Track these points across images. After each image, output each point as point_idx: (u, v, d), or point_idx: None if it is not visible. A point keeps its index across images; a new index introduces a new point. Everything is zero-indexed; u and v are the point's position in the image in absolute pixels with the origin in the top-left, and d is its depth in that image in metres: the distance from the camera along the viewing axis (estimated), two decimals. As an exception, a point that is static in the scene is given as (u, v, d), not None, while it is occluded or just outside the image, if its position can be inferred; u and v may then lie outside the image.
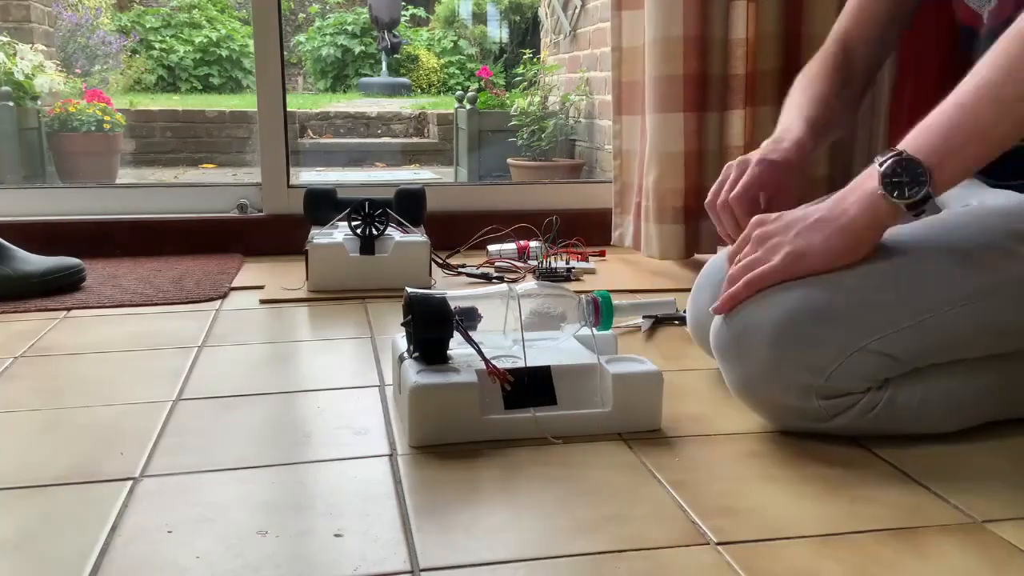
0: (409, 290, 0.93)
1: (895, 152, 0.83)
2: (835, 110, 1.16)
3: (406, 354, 0.95)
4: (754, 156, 1.08)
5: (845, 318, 0.85)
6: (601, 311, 0.97)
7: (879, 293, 0.86)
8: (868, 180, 0.85)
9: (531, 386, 0.91)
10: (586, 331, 0.99)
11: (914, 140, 0.84)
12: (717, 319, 0.91)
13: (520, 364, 0.92)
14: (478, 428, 0.90)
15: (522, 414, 0.91)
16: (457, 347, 0.94)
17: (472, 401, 0.89)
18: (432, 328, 0.92)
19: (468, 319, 0.94)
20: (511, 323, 0.97)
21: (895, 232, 0.89)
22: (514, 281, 1.62)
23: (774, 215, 0.91)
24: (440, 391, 0.89)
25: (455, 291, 0.96)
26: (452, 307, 0.92)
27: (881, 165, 0.83)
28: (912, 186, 0.81)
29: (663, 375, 0.94)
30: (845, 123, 1.21)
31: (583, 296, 0.99)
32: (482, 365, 0.91)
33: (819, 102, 1.15)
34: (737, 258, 0.92)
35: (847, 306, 0.85)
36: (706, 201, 1.13)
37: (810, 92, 1.17)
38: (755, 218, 0.93)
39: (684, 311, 1.32)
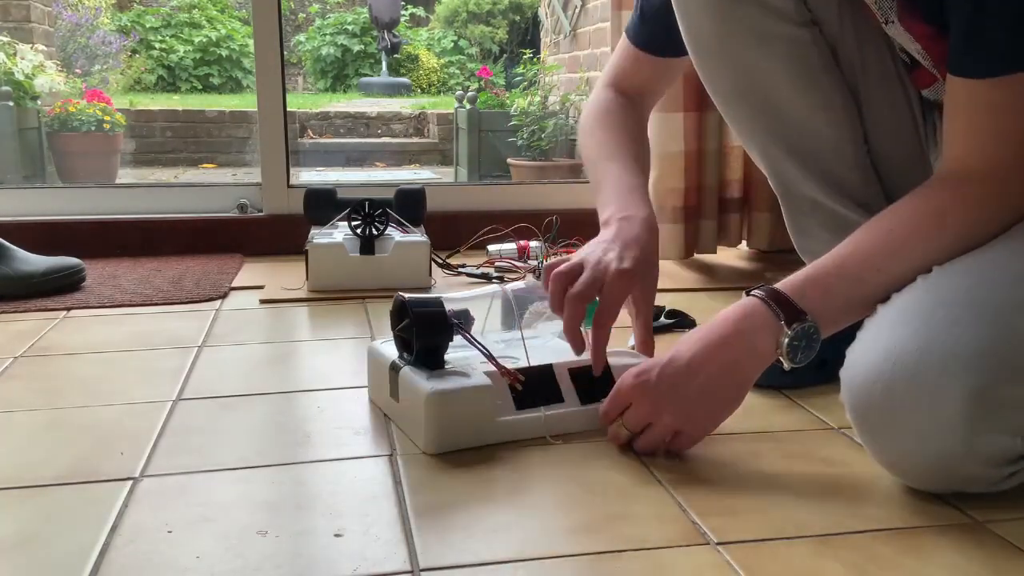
0: (404, 295, 0.92)
1: (801, 317, 0.81)
2: (647, 168, 1.17)
3: (400, 361, 0.94)
4: (611, 262, 0.94)
5: None
6: (587, 309, 0.97)
7: None
8: (762, 334, 0.82)
9: (539, 385, 0.91)
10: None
11: (813, 302, 0.82)
12: (858, 380, 0.78)
13: (520, 363, 0.93)
14: (492, 431, 0.89)
15: (532, 414, 0.91)
16: (449, 351, 0.93)
17: (488, 404, 0.89)
18: (433, 333, 0.91)
19: (462, 322, 0.94)
20: (492, 324, 0.97)
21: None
22: (512, 281, 1.62)
23: (653, 372, 0.85)
24: (458, 396, 0.88)
25: (443, 294, 0.96)
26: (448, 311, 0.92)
27: (789, 329, 0.80)
28: (807, 354, 0.82)
29: None
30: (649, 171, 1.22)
31: None
32: (480, 367, 0.90)
33: (637, 163, 1.13)
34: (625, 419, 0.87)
35: None
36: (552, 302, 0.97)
37: (626, 152, 1.14)
38: (631, 378, 0.86)
39: (667, 316, 1.32)
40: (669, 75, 1.23)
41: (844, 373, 0.79)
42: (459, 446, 0.88)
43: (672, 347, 0.86)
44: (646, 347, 0.97)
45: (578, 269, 0.94)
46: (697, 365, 0.84)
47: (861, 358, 0.78)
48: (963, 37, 0.82)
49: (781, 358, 0.82)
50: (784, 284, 0.84)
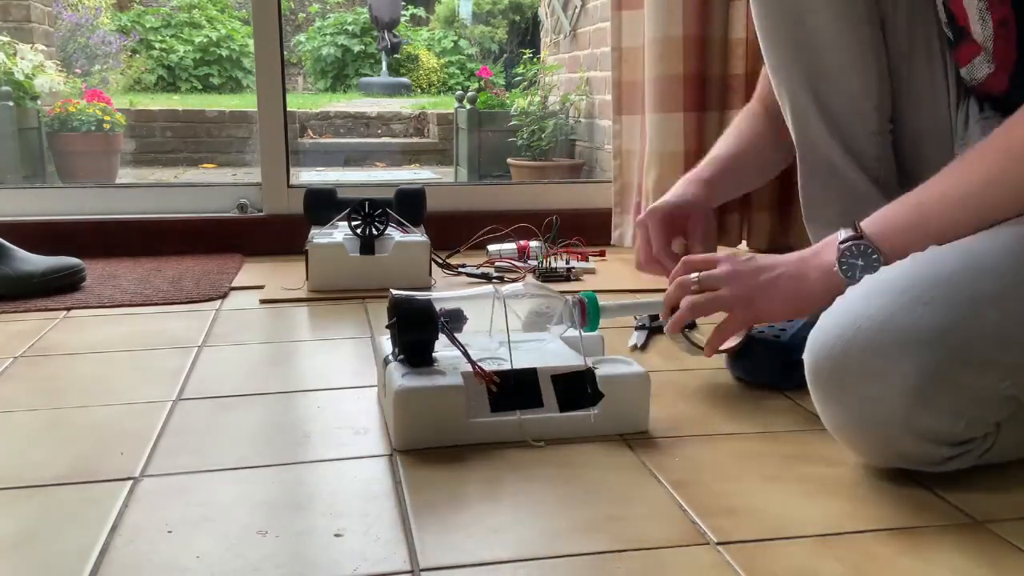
0: (393, 292, 0.93)
1: (856, 235, 0.88)
2: (739, 173, 1.28)
3: (391, 356, 0.94)
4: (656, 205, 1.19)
5: (989, 359, 0.76)
6: (588, 312, 0.97)
7: (1018, 330, 0.77)
8: (828, 251, 0.89)
9: (517, 388, 0.90)
10: (573, 332, 0.99)
11: (876, 225, 0.88)
12: (820, 341, 0.80)
13: (506, 366, 0.92)
14: (464, 431, 0.89)
15: (508, 417, 0.90)
16: (442, 349, 0.93)
17: (458, 404, 0.89)
18: (416, 330, 0.91)
19: (454, 321, 0.94)
20: (498, 324, 0.97)
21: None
22: (511, 281, 1.62)
23: (745, 256, 0.97)
24: (425, 394, 0.88)
25: (440, 293, 0.96)
26: (438, 309, 0.92)
27: (841, 243, 0.88)
28: (865, 270, 0.86)
29: (650, 377, 0.94)
30: (754, 182, 1.37)
31: (569, 297, 0.99)
32: (467, 367, 0.90)
33: (720, 163, 1.26)
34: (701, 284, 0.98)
35: (993, 343, 0.76)
36: (637, 265, 1.22)
37: (716, 155, 1.28)
38: (725, 256, 0.98)
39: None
40: None
41: (812, 333, 0.82)
42: (428, 444, 0.88)
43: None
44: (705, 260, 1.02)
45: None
46: (777, 262, 0.94)
47: (829, 321, 0.80)
48: None
49: (839, 275, 0.87)
50: (870, 224, 0.89)
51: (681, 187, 1.24)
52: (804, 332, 1.04)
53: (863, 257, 0.86)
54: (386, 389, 0.93)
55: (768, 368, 1.07)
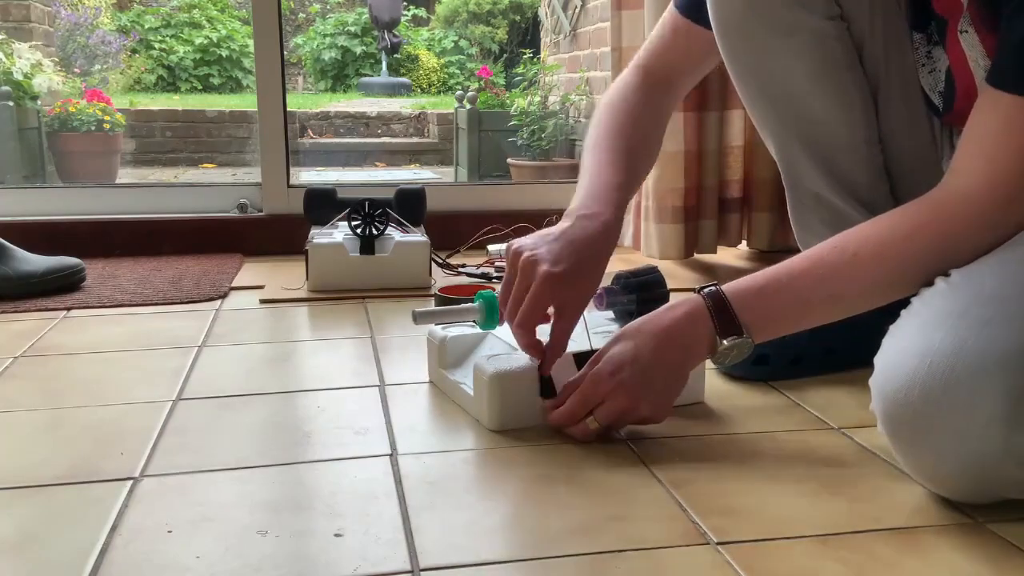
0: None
1: (737, 330, 0.86)
2: (645, 163, 1.11)
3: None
4: (542, 261, 0.92)
5: None
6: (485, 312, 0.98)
7: None
8: (702, 342, 0.87)
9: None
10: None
11: (755, 319, 0.86)
12: (890, 387, 0.76)
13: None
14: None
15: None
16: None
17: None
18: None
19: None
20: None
21: None
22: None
23: (613, 361, 0.88)
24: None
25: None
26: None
27: (721, 338, 0.86)
28: (735, 361, 0.88)
29: None
30: (651, 165, 1.16)
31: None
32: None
33: (630, 158, 1.05)
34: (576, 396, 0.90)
35: None
36: (500, 296, 0.96)
37: (621, 145, 1.06)
38: (595, 370, 0.89)
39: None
40: (706, 56, 1.13)
41: (876, 381, 0.78)
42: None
43: (619, 340, 0.89)
44: (553, 352, 0.93)
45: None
46: (658, 360, 0.88)
47: (894, 364, 0.76)
48: (1014, 47, 0.78)
49: (711, 361, 0.89)
50: (732, 290, 0.87)
51: (589, 233, 0.99)
52: None
53: (737, 348, 0.87)
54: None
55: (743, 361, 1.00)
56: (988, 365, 0.71)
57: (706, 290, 0.88)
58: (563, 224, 0.98)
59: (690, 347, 0.88)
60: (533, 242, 0.95)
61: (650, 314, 0.91)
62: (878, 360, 0.79)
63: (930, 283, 0.80)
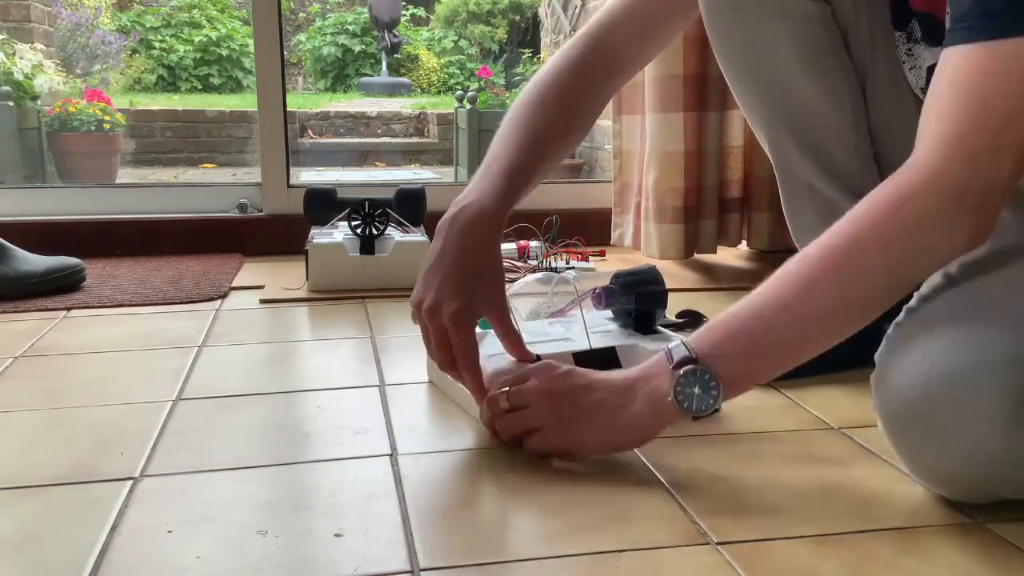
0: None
1: (690, 359, 0.77)
2: (559, 144, 1.04)
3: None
4: (439, 305, 0.89)
5: None
6: None
7: None
8: (660, 378, 0.79)
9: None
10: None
11: (707, 345, 0.78)
12: (891, 391, 0.76)
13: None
14: None
15: None
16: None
17: None
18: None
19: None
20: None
21: None
22: (511, 282, 1.62)
23: (564, 367, 0.84)
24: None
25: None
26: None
27: (674, 369, 0.77)
28: (701, 399, 0.77)
29: None
30: (570, 149, 1.11)
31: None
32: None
33: (537, 142, 0.99)
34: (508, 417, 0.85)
35: None
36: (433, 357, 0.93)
37: (531, 126, 1.00)
38: (540, 366, 0.85)
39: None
40: (665, 27, 1.08)
41: (877, 381, 0.77)
42: None
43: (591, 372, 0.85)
44: (520, 353, 0.91)
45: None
46: (598, 381, 0.83)
47: (895, 364, 0.76)
48: (954, 7, 0.74)
49: (674, 405, 0.77)
50: (699, 330, 0.80)
51: (459, 235, 0.96)
52: None
53: (699, 383, 0.77)
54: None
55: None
56: (989, 365, 0.71)
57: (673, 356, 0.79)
58: (442, 230, 0.95)
59: (651, 390, 0.79)
60: (422, 290, 0.92)
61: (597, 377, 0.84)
62: (879, 358, 0.78)
63: (923, 280, 0.78)
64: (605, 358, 0.96)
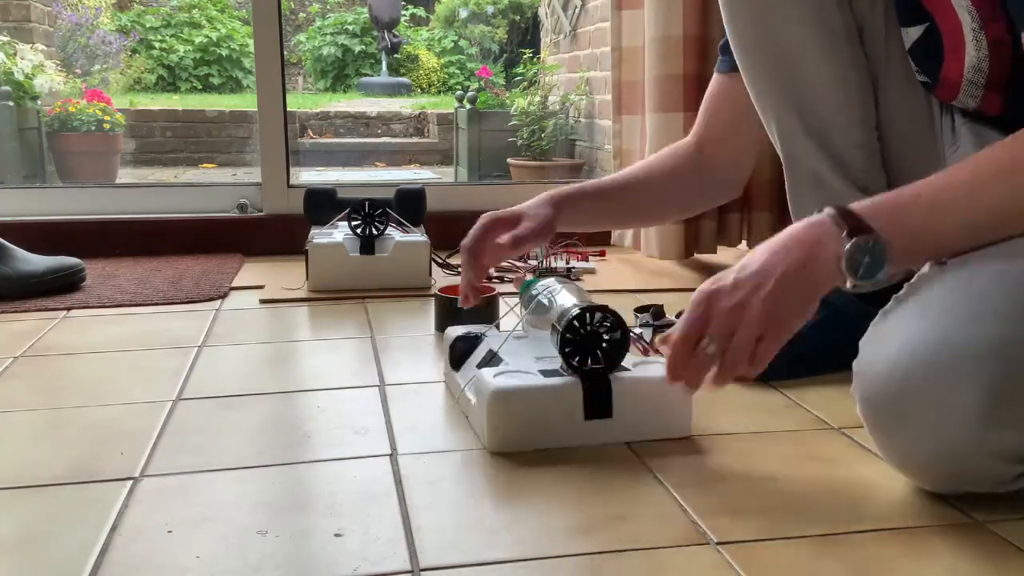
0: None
1: (865, 227, 0.76)
2: (616, 204, 1.24)
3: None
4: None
5: None
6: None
7: None
8: (827, 246, 0.77)
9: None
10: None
11: (885, 219, 0.77)
12: (871, 374, 0.77)
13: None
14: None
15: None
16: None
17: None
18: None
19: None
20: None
21: None
22: (510, 281, 1.62)
23: (728, 282, 0.79)
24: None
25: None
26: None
27: (846, 235, 0.76)
28: (872, 267, 0.76)
29: None
30: (641, 219, 1.39)
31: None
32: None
33: (597, 191, 1.23)
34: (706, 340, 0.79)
35: None
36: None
37: (604, 180, 1.26)
38: (702, 298, 0.79)
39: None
40: (748, 117, 1.16)
41: (858, 365, 0.78)
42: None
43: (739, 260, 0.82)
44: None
45: None
46: (770, 267, 0.78)
47: (877, 349, 0.77)
48: None
49: (844, 272, 0.76)
50: (857, 203, 0.79)
51: (530, 201, 1.16)
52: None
53: (871, 253, 0.75)
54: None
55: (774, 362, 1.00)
56: (970, 358, 0.71)
57: (827, 207, 0.79)
58: None
59: (815, 254, 0.77)
60: None
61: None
62: (863, 344, 0.79)
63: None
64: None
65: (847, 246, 0.75)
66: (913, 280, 0.81)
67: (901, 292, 0.80)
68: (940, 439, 0.73)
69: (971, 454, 0.73)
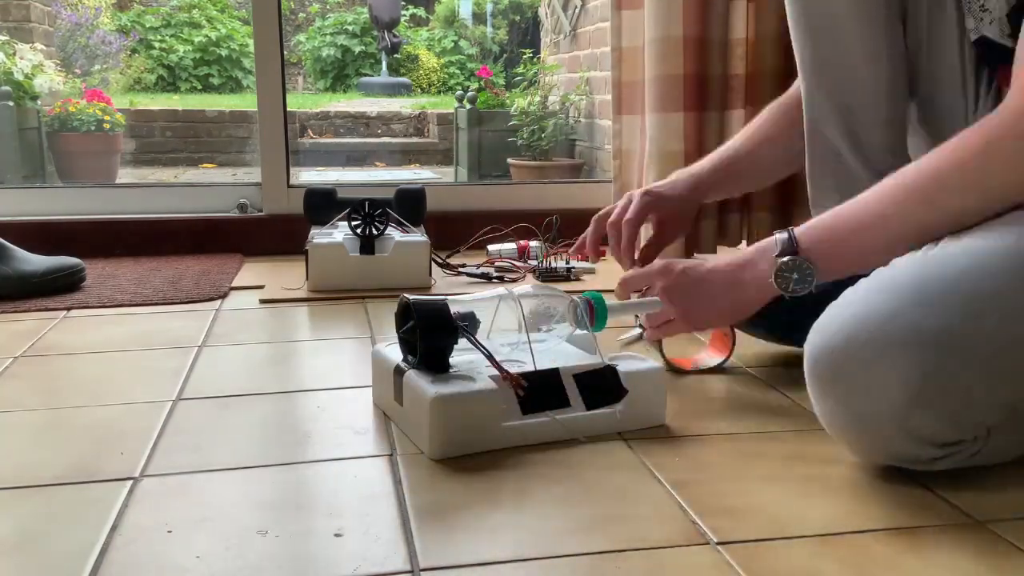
0: (408, 297, 0.92)
1: (791, 247, 0.90)
2: (740, 174, 1.30)
3: (404, 364, 0.93)
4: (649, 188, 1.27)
5: (990, 362, 0.76)
6: (596, 312, 0.97)
7: (1019, 335, 0.77)
8: (763, 262, 0.93)
9: (543, 389, 0.90)
10: (579, 332, 0.98)
11: (811, 238, 0.91)
12: (821, 337, 0.81)
13: (526, 368, 0.91)
14: (498, 436, 0.88)
15: (539, 419, 0.89)
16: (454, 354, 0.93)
17: (493, 409, 0.88)
18: (438, 335, 0.90)
19: (469, 324, 0.93)
20: (502, 326, 0.96)
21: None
22: (511, 282, 1.62)
23: (680, 264, 1.01)
24: (462, 401, 0.86)
25: (449, 296, 0.95)
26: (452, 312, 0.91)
27: (777, 257, 0.91)
28: (799, 283, 0.90)
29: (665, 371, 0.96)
30: (759, 182, 1.40)
31: (575, 297, 0.99)
32: (488, 371, 0.90)
33: (737, 156, 1.28)
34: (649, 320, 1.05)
35: (994, 346, 0.76)
36: (600, 216, 1.32)
37: (738, 142, 1.30)
38: (662, 265, 1.02)
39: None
40: None
41: (811, 332, 0.82)
42: (464, 451, 0.87)
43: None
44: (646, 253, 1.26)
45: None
46: (711, 272, 0.99)
47: (831, 317, 0.81)
48: None
49: (773, 285, 0.91)
50: (804, 226, 0.92)
51: (673, 178, 1.30)
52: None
53: (798, 271, 0.90)
54: (404, 398, 0.92)
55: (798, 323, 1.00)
56: (911, 340, 0.76)
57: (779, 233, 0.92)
58: None
59: (754, 270, 0.94)
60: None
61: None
62: (825, 311, 0.83)
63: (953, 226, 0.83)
64: (551, 380, 0.91)
65: (776, 266, 0.90)
66: (894, 261, 0.84)
67: (882, 268, 0.84)
68: (867, 412, 0.78)
69: (892, 432, 0.78)
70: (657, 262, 1.04)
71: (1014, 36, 0.92)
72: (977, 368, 0.76)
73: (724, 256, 1.00)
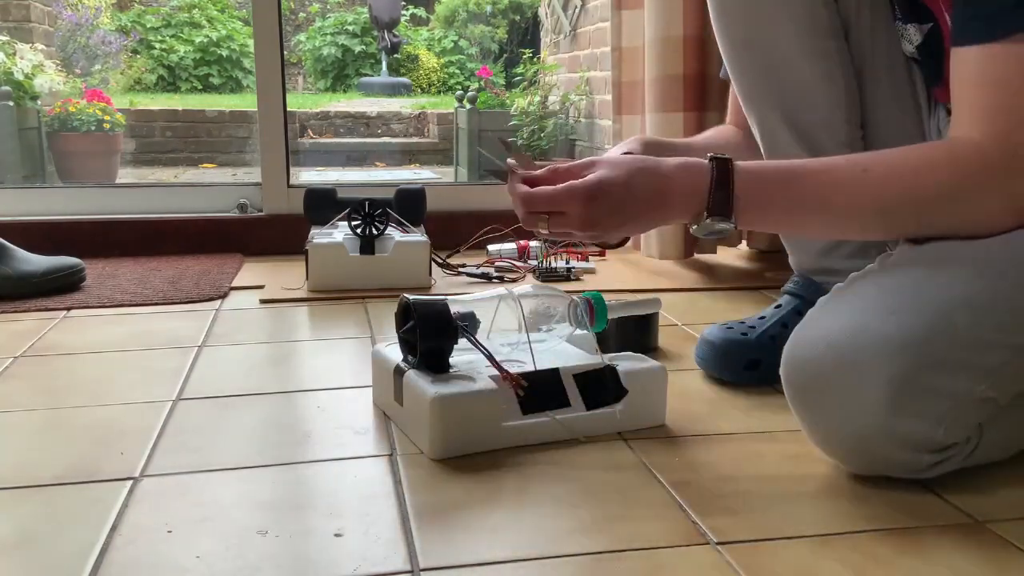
0: (409, 297, 0.92)
1: (724, 218, 0.82)
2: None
3: (404, 364, 0.93)
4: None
5: (964, 363, 0.76)
6: (596, 312, 0.97)
7: (991, 332, 0.76)
8: (695, 197, 0.82)
9: (543, 389, 0.90)
10: (579, 332, 0.99)
11: (748, 187, 0.82)
12: (793, 356, 0.81)
13: (526, 368, 0.91)
14: (498, 436, 0.88)
15: (539, 419, 0.89)
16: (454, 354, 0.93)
17: (494, 409, 0.88)
18: (438, 336, 0.90)
19: (469, 324, 0.93)
20: (502, 326, 0.96)
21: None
22: (511, 282, 1.62)
23: (597, 190, 0.84)
24: (463, 401, 0.86)
25: (449, 296, 0.95)
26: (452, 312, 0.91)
27: (708, 218, 0.82)
28: (721, 221, 0.82)
29: (666, 371, 0.96)
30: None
31: (575, 297, 0.99)
32: (488, 371, 0.90)
33: (681, 145, 1.16)
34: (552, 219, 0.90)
35: (966, 347, 0.76)
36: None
37: (684, 139, 1.27)
38: (581, 189, 0.85)
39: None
40: None
41: (786, 348, 0.82)
42: (464, 451, 0.87)
43: (612, 167, 0.84)
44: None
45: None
46: (632, 205, 0.84)
47: (801, 336, 0.81)
48: (963, 3, 0.79)
49: (701, 217, 0.83)
50: (743, 173, 0.82)
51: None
52: (771, 331, 1.05)
53: (718, 233, 0.83)
54: (404, 398, 0.92)
55: (732, 366, 1.08)
56: (881, 350, 0.75)
57: (719, 157, 0.84)
58: None
59: (675, 205, 0.84)
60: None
61: (656, 158, 0.86)
62: (795, 330, 0.83)
63: (924, 237, 0.82)
64: (551, 380, 0.91)
65: (701, 222, 0.83)
66: (856, 273, 0.84)
67: (843, 283, 0.84)
68: (851, 426, 0.78)
69: (879, 442, 0.77)
70: (573, 186, 0.86)
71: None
72: (953, 369, 0.76)
73: (645, 174, 0.84)
